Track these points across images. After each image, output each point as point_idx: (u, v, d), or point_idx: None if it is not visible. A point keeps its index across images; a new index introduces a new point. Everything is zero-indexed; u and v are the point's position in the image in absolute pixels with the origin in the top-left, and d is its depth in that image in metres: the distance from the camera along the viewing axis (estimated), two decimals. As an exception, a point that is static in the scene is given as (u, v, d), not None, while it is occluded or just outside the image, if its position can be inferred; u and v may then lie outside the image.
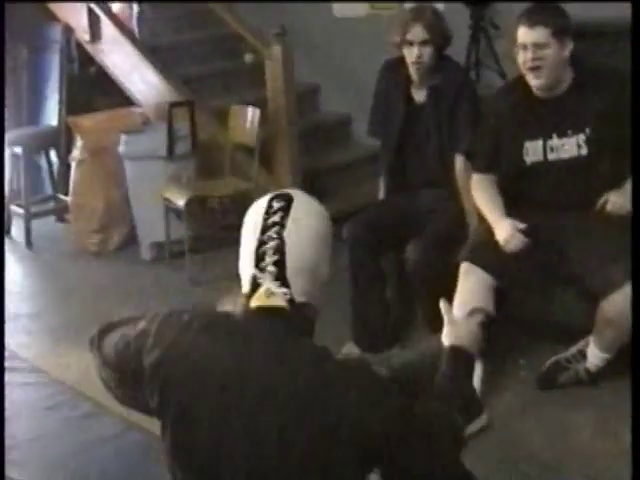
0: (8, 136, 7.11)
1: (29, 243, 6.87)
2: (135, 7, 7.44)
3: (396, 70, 4.68)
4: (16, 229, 7.07)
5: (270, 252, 2.01)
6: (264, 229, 2.03)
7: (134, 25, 7.33)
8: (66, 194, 6.90)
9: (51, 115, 7.29)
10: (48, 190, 7.55)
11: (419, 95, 4.64)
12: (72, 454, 3.87)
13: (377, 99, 4.83)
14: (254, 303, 2.03)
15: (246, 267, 2.06)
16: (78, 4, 6.93)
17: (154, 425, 3.88)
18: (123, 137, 6.14)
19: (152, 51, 6.87)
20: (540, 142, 3.99)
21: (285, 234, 2.02)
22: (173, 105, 6.08)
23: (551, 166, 3.98)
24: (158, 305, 5.46)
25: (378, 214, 4.66)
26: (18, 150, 6.95)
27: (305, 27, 6.94)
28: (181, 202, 5.72)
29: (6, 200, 7.10)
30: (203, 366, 2.04)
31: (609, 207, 3.94)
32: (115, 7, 7.26)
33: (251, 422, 1.98)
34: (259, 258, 2.02)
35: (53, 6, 7.12)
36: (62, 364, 4.77)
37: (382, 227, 4.52)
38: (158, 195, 5.90)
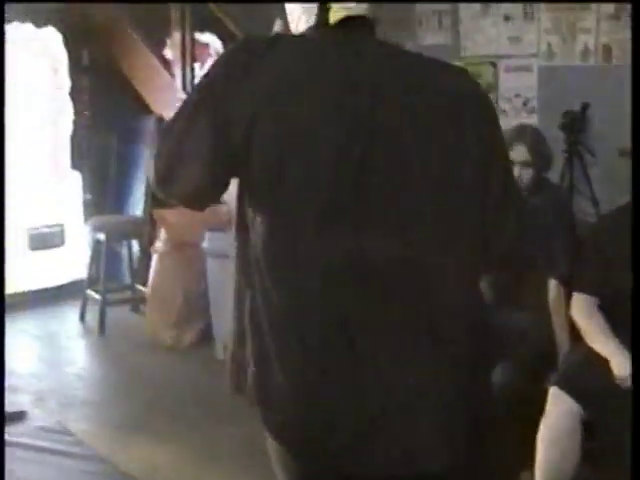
0: (92, 222, 7.19)
1: (102, 330, 6.86)
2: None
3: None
4: (90, 315, 7.07)
5: None
6: None
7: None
8: (144, 285, 6.91)
9: (136, 205, 7.36)
10: (126, 279, 7.57)
11: (515, 216, 4.57)
12: None
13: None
14: (335, 17, 2.05)
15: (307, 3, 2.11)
16: (171, 96, 7.02)
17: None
18: (208, 234, 6.14)
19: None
20: None
21: None
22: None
23: None
24: (229, 405, 5.38)
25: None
26: (101, 237, 7.00)
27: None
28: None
29: (84, 285, 7.13)
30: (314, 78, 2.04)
31: None
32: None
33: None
34: None
35: (148, 98, 7.22)
36: (127, 456, 4.70)
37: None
38: (238, 294, 5.82)
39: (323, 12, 2.06)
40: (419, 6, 7.15)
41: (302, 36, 2.14)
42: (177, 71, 7.00)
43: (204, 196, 2.18)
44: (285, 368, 2.08)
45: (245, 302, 2.15)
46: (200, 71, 7.25)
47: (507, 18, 6.67)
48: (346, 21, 2.07)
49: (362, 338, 2.04)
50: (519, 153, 4.41)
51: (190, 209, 2.22)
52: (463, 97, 2.12)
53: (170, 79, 7.05)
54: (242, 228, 2.14)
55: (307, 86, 2.03)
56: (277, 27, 2.35)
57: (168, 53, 7.26)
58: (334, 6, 2.05)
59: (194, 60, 7.02)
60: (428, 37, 7.11)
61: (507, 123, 6.06)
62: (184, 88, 6.92)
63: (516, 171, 4.42)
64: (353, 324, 2.04)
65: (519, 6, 6.56)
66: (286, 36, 2.19)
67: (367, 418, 2.07)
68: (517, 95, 6.65)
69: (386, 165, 2.02)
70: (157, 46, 7.34)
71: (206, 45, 7.45)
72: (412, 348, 2.07)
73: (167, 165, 2.11)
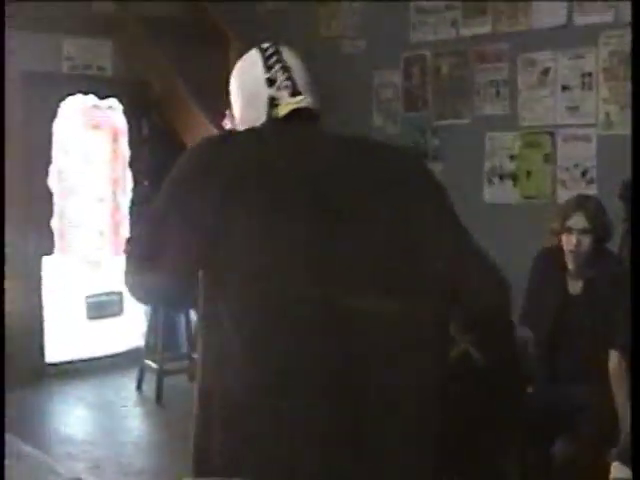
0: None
1: (159, 399, 6.86)
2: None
3: (552, 259, 4.60)
4: (147, 383, 7.09)
5: (280, 72, 2.33)
6: (266, 61, 2.36)
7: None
8: (201, 354, 6.90)
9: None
10: (183, 348, 7.58)
11: (575, 287, 4.53)
12: None
13: (531, 287, 4.73)
14: (283, 111, 2.30)
15: (257, 99, 2.34)
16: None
17: None
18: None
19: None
20: None
21: (285, 58, 2.36)
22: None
23: None
24: None
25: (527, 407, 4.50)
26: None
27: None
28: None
29: (141, 353, 7.16)
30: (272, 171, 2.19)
31: None
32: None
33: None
34: (271, 81, 2.33)
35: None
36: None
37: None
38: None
39: (273, 107, 2.33)
40: (477, 76, 7.19)
41: (255, 130, 2.34)
42: (236, 141, 7.05)
43: (179, 292, 2.31)
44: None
45: (215, 390, 2.20)
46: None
47: (565, 88, 6.68)
48: (293, 113, 2.33)
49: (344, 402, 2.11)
50: (578, 221, 4.39)
51: (167, 308, 2.30)
52: (406, 172, 2.31)
53: (229, 149, 7.11)
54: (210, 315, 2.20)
55: (266, 174, 2.18)
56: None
57: (227, 124, 7.32)
58: (282, 102, 2.32)
59: (252, 131, 7.07)
60: (486, 107, 7.12)
61: (566, 194, 6.05)
62: (242, 159, 6.97)
63: (574, 239, 4.40)
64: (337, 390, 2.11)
65: (577, 76, 6.57)
66: (241, 132, 2.38)
67: None
68: (576, 165, 6.62)
69: (343, 241, 2.16)
70: (216, 117, 7.41)
71: (264, 116, 7.53)
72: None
73: (140, 268, 2.25)
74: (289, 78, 2.34)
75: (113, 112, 7.83)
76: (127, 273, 2.27)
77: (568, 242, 4.44)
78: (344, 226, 2.18)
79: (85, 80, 7.73)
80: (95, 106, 7.71)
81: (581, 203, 4.48)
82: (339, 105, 7.93)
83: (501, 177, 7.08)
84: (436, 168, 7.40)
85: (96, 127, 7.77)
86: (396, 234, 2.21)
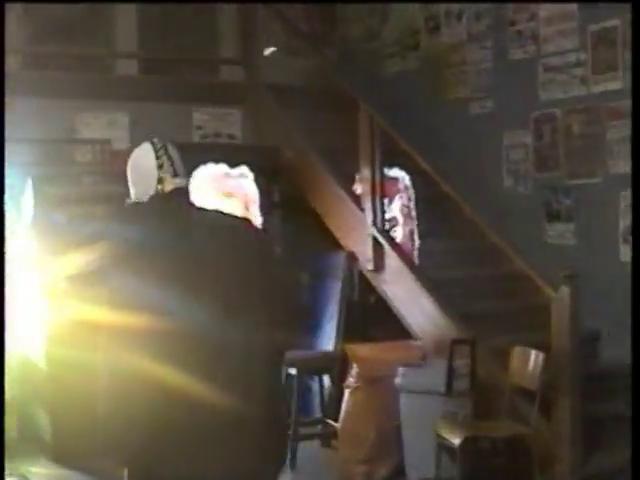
0: (285, 357, 7.22)
1: (293, 465, 6.83)
2: (417, 239, 7.56)
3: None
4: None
5: (165, 160, 3.35)
6: (156, 152, 3.37)
7: (416, 257, 7.41)
8: (335, 420, 6.88)
9: (327, 340, 7.38)
10: (317, 413, 7.55)
11: None
12: None
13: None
14: (168, 187, 3.34)
15: (150, 178, 3.35)
16: (361, 232, 7.10)
17: None
18: (401, 370, 6.12)
19: (434, 284, 6.87)
20: None
21: (170, 150, 3.40)
22: (455, 342, 6.02)
23: None
24: None
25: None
26: (293, 371, 7.03)
27: (589, 270, 6.80)
28: (456, 441, 5.57)
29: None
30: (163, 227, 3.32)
31: None
32: (399, 238, 7.37)
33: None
34: (160, 166, 3.34)
35: (338, 233, 7.32)
36: None
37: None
38: (432, 431, 5.78)
39: (160, 184, 3.33)
40: (609, 133, 7.06)
41: (152, 200, 3.36)
42: (367, 206, 7.07)
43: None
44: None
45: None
46: (389, 205, 7.33)
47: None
48: (174, 190, 3.36)
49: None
50: None
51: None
52: (240, 231, 3.44)
53: (361, 214, 7.13)
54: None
55: (157, 231, 3.28)
56: None
57: (357, 188, 7.35)
58: (166, 181, 3.34)
59: (383, 195, 7.09)
60: (619, 165, 6.98)
61: None
62: (374, 223, 6.98)
63: None
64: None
65: None
66: (142, 204, 3.39)
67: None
68: None
69: (202, 278, 3.19)
70: (346, 181, 7.45)
71: (395, 180, 7.52)
72: None
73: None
74: (172, 165, 3.36)
75: (244, 180, 7.91)
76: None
77: None
78: (206, 274, 3.20)
79: (216, 149, 7.85)
80: (227, 174, 7.80)
81: None
82: (469, 166, 7.91)
83: (638, 236, 6.90)
84: (569, 228, 7.30)
85: (228, 195, 7.85)
86: (233, 271, 3.26)
